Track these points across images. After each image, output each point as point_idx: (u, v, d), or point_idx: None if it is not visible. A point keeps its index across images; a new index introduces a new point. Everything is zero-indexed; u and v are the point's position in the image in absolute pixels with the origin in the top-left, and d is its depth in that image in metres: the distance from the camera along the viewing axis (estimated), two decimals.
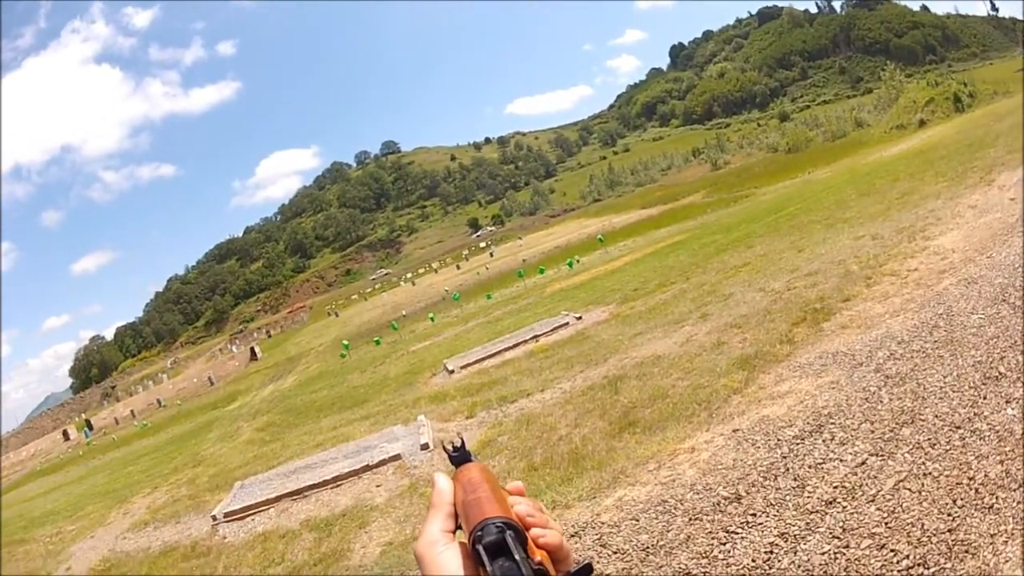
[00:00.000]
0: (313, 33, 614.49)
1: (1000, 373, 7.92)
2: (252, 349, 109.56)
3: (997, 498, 5.73)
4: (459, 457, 1.28)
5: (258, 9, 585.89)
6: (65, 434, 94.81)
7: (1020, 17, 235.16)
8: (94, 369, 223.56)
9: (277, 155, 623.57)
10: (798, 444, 8.04)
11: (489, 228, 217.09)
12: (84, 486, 33.65)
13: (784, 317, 13.81)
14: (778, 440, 8.33)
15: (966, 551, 5.29)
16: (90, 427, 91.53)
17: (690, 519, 7.38)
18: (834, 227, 22.54)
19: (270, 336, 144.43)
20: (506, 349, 22.96)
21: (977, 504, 5.77)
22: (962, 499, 5.92)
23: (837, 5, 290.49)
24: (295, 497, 14.24)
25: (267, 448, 22.70)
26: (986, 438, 6.70)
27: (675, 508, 7.72)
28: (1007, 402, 7.24)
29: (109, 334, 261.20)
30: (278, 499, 14.37)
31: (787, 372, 10.73)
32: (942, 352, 9.12)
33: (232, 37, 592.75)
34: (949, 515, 5.78)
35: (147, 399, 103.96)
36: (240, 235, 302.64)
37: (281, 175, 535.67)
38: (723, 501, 7.45)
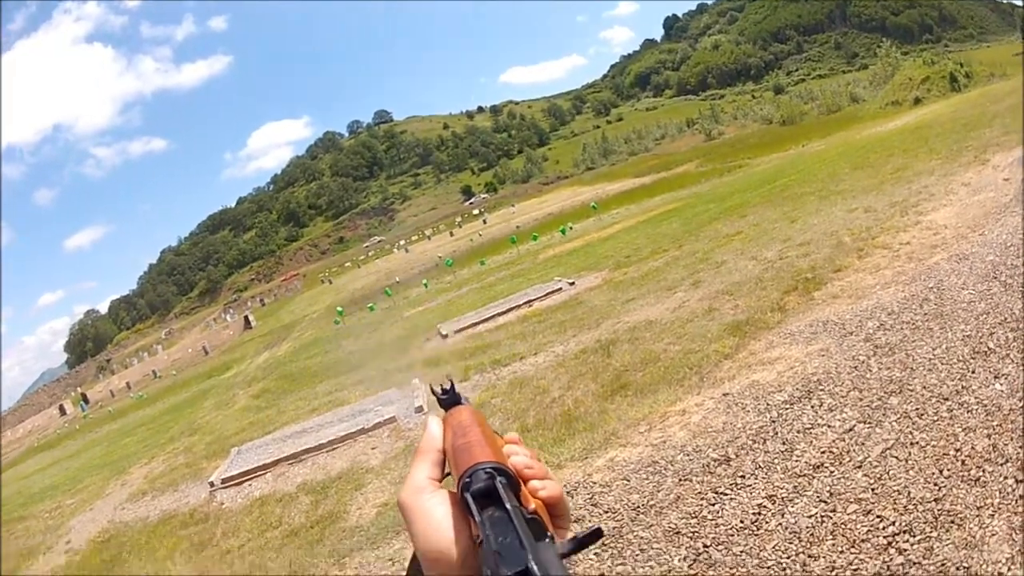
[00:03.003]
0: (303, 4, 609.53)
1: (989, 348, 8.01)
2: (246, 318, 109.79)
3: (984, 471, 5.83)
4: (448, 399, 1.21)
5: None
6: (61, 409, 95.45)
7: (1018, 2, 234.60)
8: (89, 343, 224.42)
9: (269, 126, 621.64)
10: (787, 409, 8.16)
11: (482, 195, 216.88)
12: (81, 460, 33.74)
13: (776, 285, 13.93)
14: (767, 405, 8.45)
15: (952, 521, 5.39)
16: (86, 401, 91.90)
17: (680, 480, 7.50)
18: (827, 199, 22.56)
19: (264, 304, 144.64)
20: (500, 314, 23.08)
21: (963, 476, 5.87)
22: (948, 470, 6.02)
23: None
24: (291, 461, 14.39)
25: (263, 415, 22.84)
26: (974, 411, 6.80)
27: (665, 469, 7.85)
28: (995, 377, 7.33)
29: (104, 308, 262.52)
30: (275, 464, 14.52)
31: (778, 339, 10.85)
32: (932, 325, 9.22)
33: (223, 12, 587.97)
34: (935, 485, 5.88)
35: (142, 371, 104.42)
36: (233, 206, 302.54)
37: (273, 146, 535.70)
38: (712, 463, 7.58)
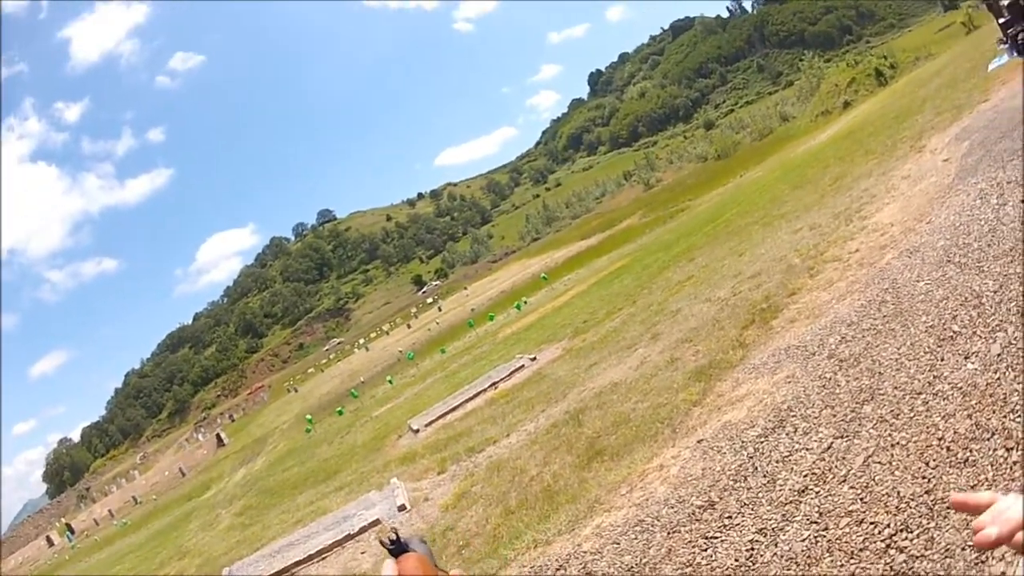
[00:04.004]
0: (239, 110, 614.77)
1: (955, 332, 8.01)
2: (218, 435, 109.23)
3: (971, 451, 5.82)
4: (396, 549, 1.30)
5: (183, 92, 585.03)
6: (49, 540, 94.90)
7: None
8: (66, 472, 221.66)
9: (216, 237, 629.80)
10: (762, 442, 8.09)
11: (434, 283, 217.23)
12: None
13: (733, 323, 13.87)
14: (742, 442, 8.37)
15: (947, 507, 5.35)
16: (72, 531, 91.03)
17: (668, 533, 7.41)
18: (771, 225, 22.74)
19: (233, 420, 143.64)
20: (467, 400, 23.10)
21: (951, 461, 5.85)
22: (935, 460, 6.00)
23: (748, 5, 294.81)
24: None
25: (248, 532, 22.67)
26: (950, 397, 6.78)
27: (652, 525, 7.75)
28: (965, 358, 7.31)
29: (76, 435, 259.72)
30: None
31: (743, 376, 10.78)
32: (893, 325, 9.22)
33: (159, 123, 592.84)
34: (924, 478, 5.86)
35: (122, 497, 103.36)
36: (190, 322, 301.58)
37: (222, 257, 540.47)
38: (698, 510, 7.49)
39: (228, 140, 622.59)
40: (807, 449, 7.42)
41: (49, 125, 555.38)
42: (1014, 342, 7.05)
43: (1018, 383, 6.33)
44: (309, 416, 60.16)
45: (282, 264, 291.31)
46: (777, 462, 7.51)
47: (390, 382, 51.42)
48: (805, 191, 25.73)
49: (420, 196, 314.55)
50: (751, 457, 7.92)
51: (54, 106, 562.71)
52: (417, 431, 22.85)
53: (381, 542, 1.31)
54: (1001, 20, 27.18)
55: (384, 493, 16.52)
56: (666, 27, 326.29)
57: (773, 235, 20.75)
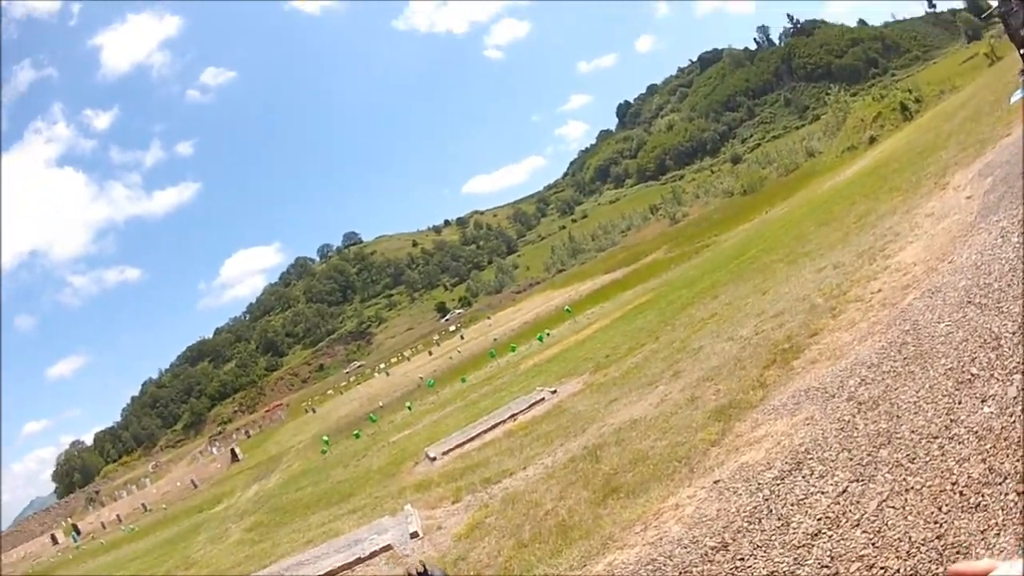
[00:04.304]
0: (267, 128, 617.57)
1: (973, 375, 7.92)
2: (232, 450, 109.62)
3: (983, 496, 5.76)
4: None
5: (213, 107, 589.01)
6: (53, 538, 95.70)
7: (959, 6, 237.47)
8: (76, 474, 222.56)
9: (241, 253, 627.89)
10: (778, 484, 8.02)
11: (457, 311, 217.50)
12: None
13: (754, 362, 13.78)
14: (759, 484, 8.31)
15: (957, 552, 5.33)
16: (77, 532, 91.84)
17: (680, 572, 7.36)
18: (796, 263, 22.62)
19: (249, 436, 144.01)
20: (485, 431, 23.16)
21: (963, 506, 5.80)
22: (947, 505, 5.94)
23: (776, 37, 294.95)
24: None
25: (257, 548, 22.67)
26: (965, 441, 6.71)
27: (665, 565, 7.70)
28: (982, 401, 7.24)
29: (89, 438, 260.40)
30: None
31: (762, 416, 10.71)
32: (912, 368, 9.11)
33: (190, 137, 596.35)
34: (936, 523, 5.81)
35: (132, 503, 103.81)
36: (211, 336, 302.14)
37: (246, 273, 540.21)
38: (711, 551, 7.43)
39: (256, 157, 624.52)
40: (822, 492, 7.36)
41: (78, 131, 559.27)
42: None
43: None
44: (326, 437, 60.28)
45: (306, 284, 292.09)
46: (792, 505, 7.45)
47: (409, 408, 51.62)
48: (830, 228, 25.55)
49: (447, 223, 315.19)
50: (766, 499, 7.87)
51: (83, 112, 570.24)
52: (434, 459, 22.86)
53: (409, 574, 1.31)
54: (1023, 50, 27.07)
55: (397, 519, 16.47)
56: (695, 59, 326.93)
57: (797, 273, 20.61)
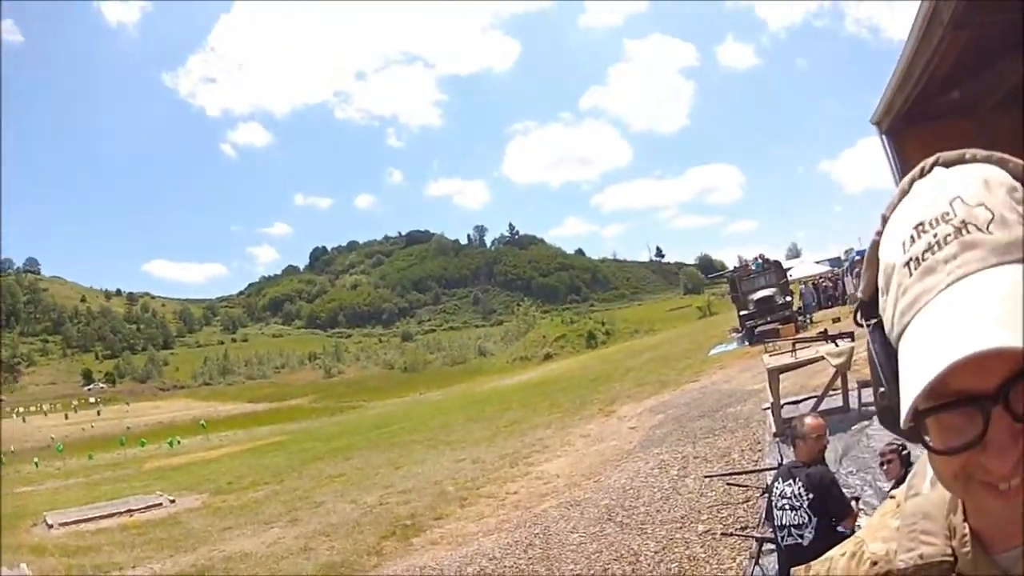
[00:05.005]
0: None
1: None
2: None
3: None
4: None
5: None
6: None
7: (690, 262, 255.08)
8: None
9: None
10: None
11: (101, 385, 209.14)
12: None
13: (373, 530, 13.87)
14: None
15: None
16: None
17: None
18: (436, 448, 23.26)
19: None
20: (102, 516, 22.92)
21: None
22: None
23: (489, 240, 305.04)
24: None
25: None
26: None
27: None
28: None
29: None
30: None
31: None
32: (537, 567, 9.25)
33: None
34: None
35: None
36: None
37: None
38: None
39: None
40: None
41: None
42: None
43: None
44: None
45: None
46: None
47: (36, 465, 50.86)
48: (479, 425, 26.47)
49: (118, 292, 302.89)
50: None
51: None
52: (51, 526, 22.28)
53: None
54: (743, 312, 29.27)
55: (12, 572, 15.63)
56: (404, 232, 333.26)
57: (435, 458, 21.10)
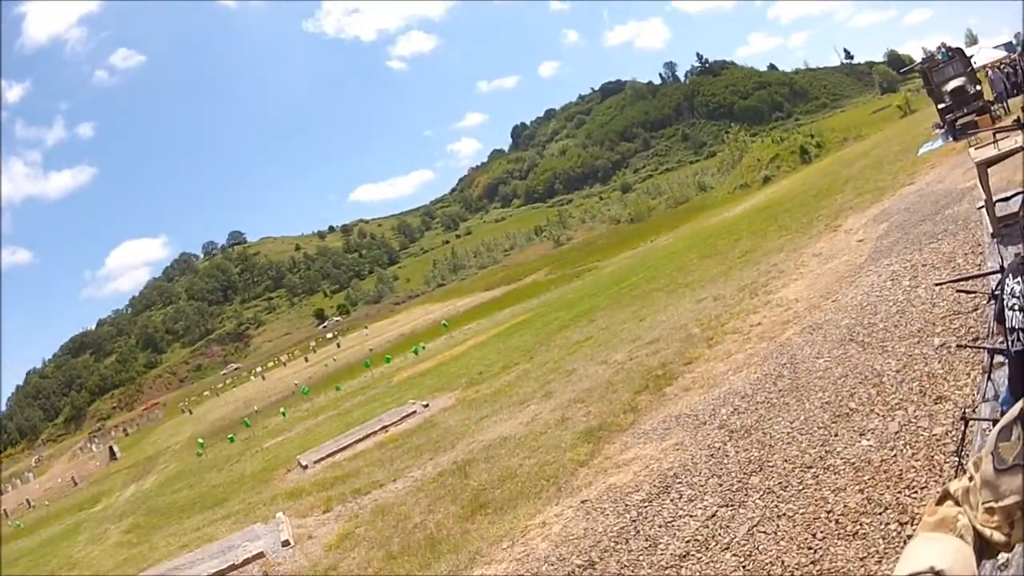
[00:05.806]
0: (166, 118, 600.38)
1: (851, 409, 8.07)
2: (111, 448, 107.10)
3: (861, 524, 5.85)
4: None
5: (118, 90, 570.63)
6: None
7: (878, 59, 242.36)
8: None
9: (127, 244, 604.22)
10: (646, 507, 8.11)
11: (335, 318, 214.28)
12: None
13: (627, 387, 13.87)
14: (626, 506, 8.39)
15: None
16: None
17: None
18: (675, 292, 22.83)
19: (127, 434, 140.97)
20: (357, 441, 23.23)
21: (839, 534, 5.89)
22: (822, 532, 6.04)
23: (681, 74, 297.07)
24: None
25: (136, 550, 22.35)
26: (841, 472, 6.83)
27: None
28: (861, 435, 7.37)
29: None
30: None
31: (632, 440, 10.82)
32: (788, 400, 9.23)
33: (92, 119, 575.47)
34: (810, 548, 5.89)
35: (16, 498, 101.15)
36: (93, 328, 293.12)
37: (130, 266, 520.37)
38: (577, 569, 7.50)
39: (152, 147, 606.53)
40: (691, 516, 7.46)
41: None
42: (914, 420, 7.14)
43: (916, 461, 6.40)
44: (201, 440, 59.33)
45: (188, 281, 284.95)
46: (660, 527, 7.53)
47: (283, 414, 51.34)
48: (713, 261, 25.78)
49: (331, 229, 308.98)
50: (634, 520, 7.93)
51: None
52: (306, 467, 22.78)
53: None
54: (941, 106, 27.86)
55: (269, 526, 16.33)
56: (596, 88, 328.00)
57: (676, 303, 20.79)
